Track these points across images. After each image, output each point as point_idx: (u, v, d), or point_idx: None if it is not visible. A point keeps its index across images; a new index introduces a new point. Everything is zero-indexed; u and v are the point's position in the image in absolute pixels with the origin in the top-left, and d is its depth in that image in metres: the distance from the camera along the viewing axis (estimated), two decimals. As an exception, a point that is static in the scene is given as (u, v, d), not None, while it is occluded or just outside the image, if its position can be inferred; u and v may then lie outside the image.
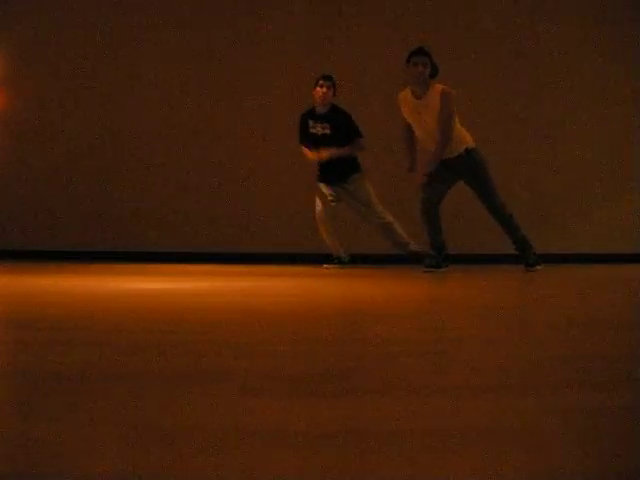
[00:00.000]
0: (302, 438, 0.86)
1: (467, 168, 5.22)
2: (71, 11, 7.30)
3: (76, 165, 7.26)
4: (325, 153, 5.63)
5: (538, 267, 5.26)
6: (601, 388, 1.15)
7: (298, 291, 3.32)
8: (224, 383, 1.18)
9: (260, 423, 0.93)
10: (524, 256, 5.32)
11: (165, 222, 7.18)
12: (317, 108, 5.70)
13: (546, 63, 7.20)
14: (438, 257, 5.26)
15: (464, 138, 5.25)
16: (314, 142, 5.71)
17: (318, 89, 5.65)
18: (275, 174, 7.13)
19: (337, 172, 5.74)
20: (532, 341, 1.68)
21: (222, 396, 1.08)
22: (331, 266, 5.80)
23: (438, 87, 5.13)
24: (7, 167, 7.35)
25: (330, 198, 5.75)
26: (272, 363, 1.36)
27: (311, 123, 5.72)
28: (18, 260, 6.72)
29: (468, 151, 5.22)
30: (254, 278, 4.38)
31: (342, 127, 5.66)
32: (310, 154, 5.74)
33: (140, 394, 1.09)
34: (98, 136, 7.25)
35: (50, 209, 7.29)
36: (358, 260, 6.12)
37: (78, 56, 7.29)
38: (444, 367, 1.33)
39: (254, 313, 2.30)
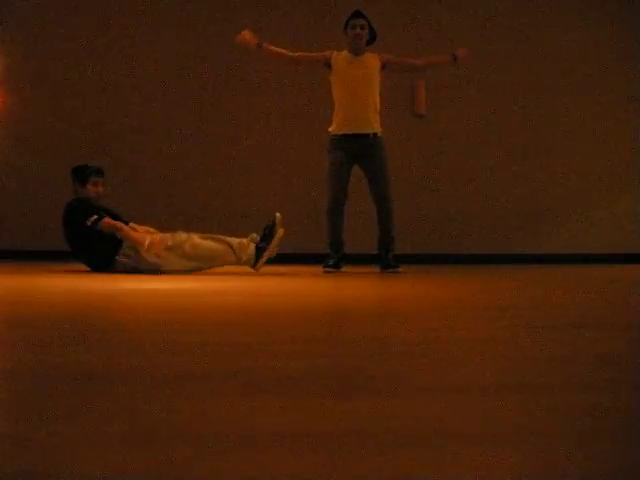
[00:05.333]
0: (302, 438, 0.86)
1: (372, 150, 5.12)
2: (71, 11, 7.30)
3: (76, 165, 7.25)
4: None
5: (399, 269, 5.11)
6: (601, 388, 1.15)
7: (298, 291, 3.32)
8: (224, 383, 1.18)
9: (260, 423, 0.92)
10: (387, 257, 5.17)
11: (166, 222, 7.17)
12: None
13: (546, 62, 7.20)
14: (336, 257, 5.16)
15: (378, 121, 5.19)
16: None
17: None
18: (275, 174, 7.13)
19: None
20: (532, 341, 1.68)
21: (222, 396, 1.08)
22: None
23: (370, 52, 5.19)
24: (7, 167, 7.35)
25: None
26: (272, 363, 1.36)
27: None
28: (18, 260, 6.71)
29: (378, 136, 5.15)
30: (254, 278, 4.38)
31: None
32: None
33: (140, 394, 1.09)
34: (98, 136, 7.25)
35: (51, 209, 7.28)
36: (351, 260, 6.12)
37: (78, 56, 7.29)
38: (444, 367, 1.33)
39: (254, 313, 2.30)
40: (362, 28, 5.14)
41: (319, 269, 5.17)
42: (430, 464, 0.76)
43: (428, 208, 6.81)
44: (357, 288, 3.57)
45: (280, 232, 4.89)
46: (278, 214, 4.93)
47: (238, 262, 4.89)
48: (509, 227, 7.02)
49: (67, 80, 7.29)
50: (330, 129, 5.20)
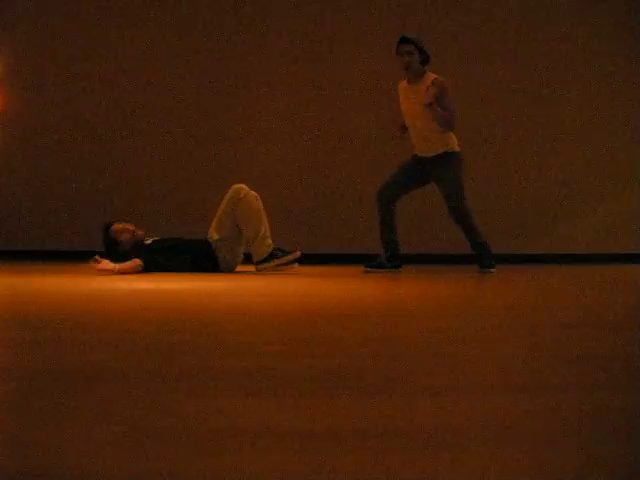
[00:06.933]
0: (302, 438, 0.86)
1: (439, 170, 5.16)
2: (71, 11, 7.30)
3: (76, 165, 7.26)
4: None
5: (492, 270, 5.13)
6: (601, 388, 1.15)
7: (298, 291, 3.32)
8: (224, 383, 1.18)
9: (260, 423, 0.92)
10: (480, 259, 5.22)
11: (166, 222, 7.17)
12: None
13: (546, 64, 7.20)
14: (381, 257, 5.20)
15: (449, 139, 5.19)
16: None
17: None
18: (277, 174, 7.13)
19: None
20: (532, 341, 1.68)
21: (222, 396, 1.08)
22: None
23: (431, 75, 5.05)
24: (7, 167, 7.35)
25: None
26: (272, 363, 1.36)
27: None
28: (18, 260, 6.71)
29: (447, 153, 5.15)
30: (254, 278, 4.38)
31: None
32: None
33: (140, 394, 1.09)
34: (99, 136, 7.25)
35: (50, 209, 7.28)
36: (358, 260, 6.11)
37: (78, 56, 7.28)
38: (444, 367, 1.33)
39: (254, 313, 2.30)
40: (409, 54, 4.96)
41: (319, 269, 5.17)
42: (430, 464, 0.76)
43: (428, 208, 6.80)
44: (358, 288, 3.57)
45: (298, 253, 4.93)
46: (299, 253, 4.97)
47: (248, 243, 4.97)
48: (509, 227, 7.02)
49: (67, 80, 7.29)
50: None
